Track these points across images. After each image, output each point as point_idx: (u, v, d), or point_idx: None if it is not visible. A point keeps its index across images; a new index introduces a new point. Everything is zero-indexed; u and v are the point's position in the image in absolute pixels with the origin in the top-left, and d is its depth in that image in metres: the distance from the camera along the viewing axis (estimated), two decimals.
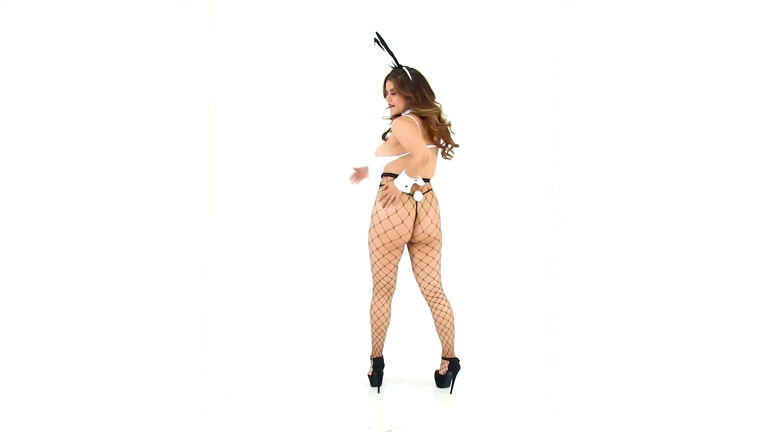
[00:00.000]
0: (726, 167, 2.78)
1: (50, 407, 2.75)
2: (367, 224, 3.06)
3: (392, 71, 2.98)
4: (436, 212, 3.00)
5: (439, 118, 2.96)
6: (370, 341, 3.10)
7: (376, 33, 2.96)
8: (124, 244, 3.07)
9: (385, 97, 3.01)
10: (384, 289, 3.06)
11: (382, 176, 3.00)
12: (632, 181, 2.84)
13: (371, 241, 3.00)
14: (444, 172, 3.27)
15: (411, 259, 3.08)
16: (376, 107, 3.15)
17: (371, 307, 3.08)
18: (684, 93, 2.78)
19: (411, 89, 2.94)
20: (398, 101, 2.95)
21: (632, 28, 2.73)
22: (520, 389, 3.07)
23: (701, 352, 3.23)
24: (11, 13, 2.71)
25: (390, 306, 3.09)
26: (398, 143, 2.94)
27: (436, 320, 3.05)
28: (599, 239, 2.87)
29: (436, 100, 2.98)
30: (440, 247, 3.06)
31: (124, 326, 3.32)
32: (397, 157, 2.95)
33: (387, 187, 2.91)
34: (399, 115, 2.97)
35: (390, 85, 2.96)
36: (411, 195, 2.92)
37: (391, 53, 2.96)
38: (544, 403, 2.92)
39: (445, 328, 3.05)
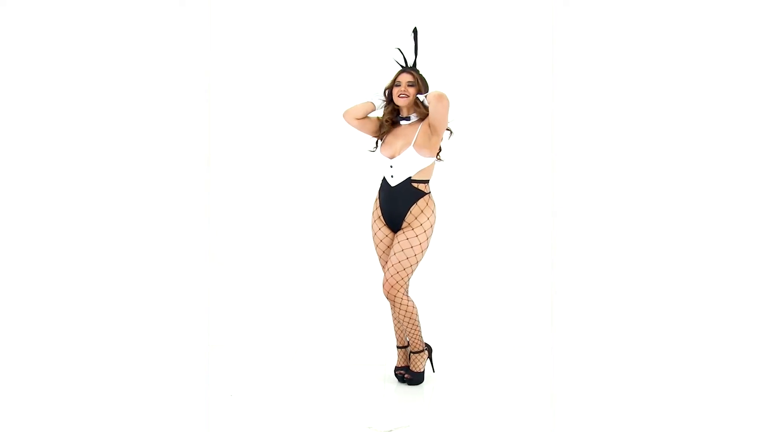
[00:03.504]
0: (727, 166, 2.78)
1: (50, 407, 2.75)
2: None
3: (408, 66, 3.01)
4: None
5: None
6: (416, 336, 3.13)
7: (414, 28, 3.01)
8: (123, 244, 3.07)
9: (394, 88, 2.99)
10: None
11: (413, 184, 2.97)
12: (633, 180, 2.84)
13: (426, 247, 3.01)
14: (444, 171, 3.28)
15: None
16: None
17: (413, 306, 3.07)
18: (685, 92, 2.78)
19: (425, 86, 3.00)
20: (412, 92, 2.98)
21: (633, 28, 2.72)
22: (520, 389, 3.08)
23: (702, 353, 3.23)
24: (10, 12, 2.70)
25: None
26: (430, 141, 2.95)
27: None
28: (600, 239, 2.87)
29: None
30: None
31: (124, 326, 3.32)
32: (429, 164, 2.99)
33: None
34: (415, 111, 3.00)
35: (408, 77, 2.97)
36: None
37: (416, 51, 3.00)
38: (544, 402, 2.92)
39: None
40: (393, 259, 2.98)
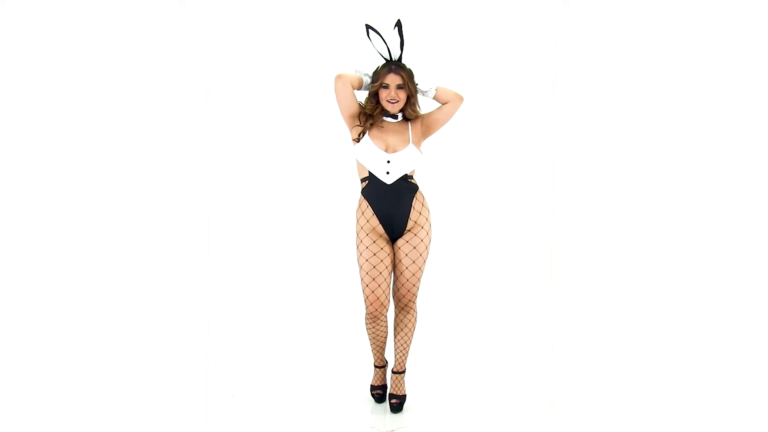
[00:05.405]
0: (726, 164, 2.79)
1: (50, 407, 2.75)
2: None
3: (395, 64, 2.73)
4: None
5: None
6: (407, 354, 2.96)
7: (398, 20, 2.74)
8: (124, 244, 3.07)
9: (381, 89, 2.73)
10: None
11: (409, 180, 2.78)
12: (633, 180, 2.84)
13: (427, 254, 2.84)
14: (444, 170, 3.27)
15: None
16: None
17: (415, 322, 2.93)
18: (684, 92, 2.79)
19: (414, 86, 2.75)
20: (403, 97, 2.72)
21: (633, 28, 2.72)
22: (520, 389, 3.08)
23: (701, 352, 3.23)
24: (10, 12, 2.71)
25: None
26: (420, 141, 2.80)
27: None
28: (600, 239, 2.87)
29: None
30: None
31: (124, 326, 3.32)
32: (417, 165, 2.81)
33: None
34: (402, 110, 2.76)
35: (397, 79, 2.70)
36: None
37: (402, 44, 2.73)
38: (544, 403, 2.92)
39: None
40: (407, 273, 2.79)
